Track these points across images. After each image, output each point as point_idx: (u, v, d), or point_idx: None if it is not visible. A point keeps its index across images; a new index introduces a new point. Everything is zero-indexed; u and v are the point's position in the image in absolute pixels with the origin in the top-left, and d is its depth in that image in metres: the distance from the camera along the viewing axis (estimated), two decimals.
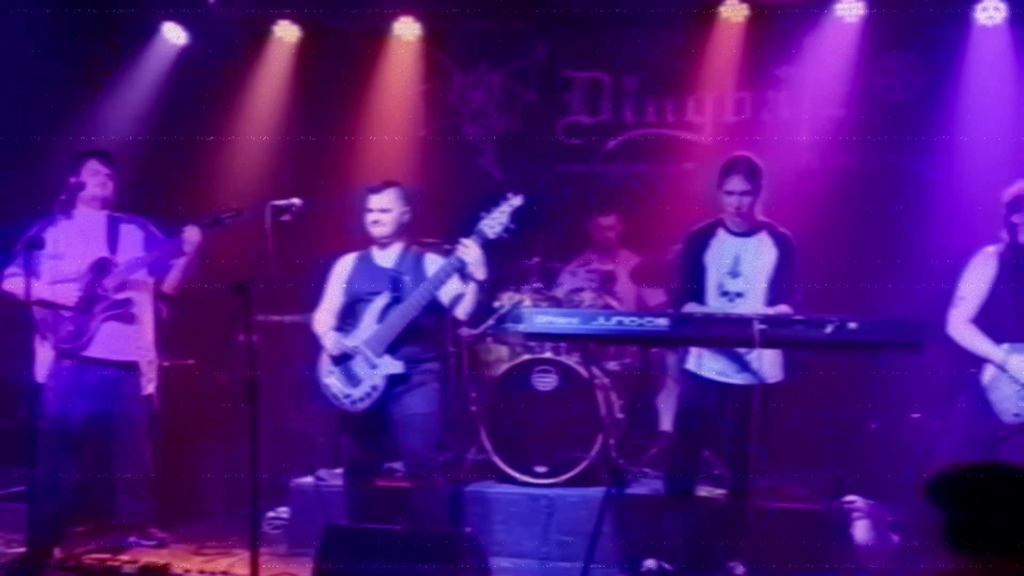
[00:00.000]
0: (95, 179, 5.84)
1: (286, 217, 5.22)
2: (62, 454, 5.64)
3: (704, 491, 5.80)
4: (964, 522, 2.60)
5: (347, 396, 5.28)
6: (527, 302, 6.47)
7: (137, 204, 6.12)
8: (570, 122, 8.12)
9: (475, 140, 8.27)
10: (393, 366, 5.21)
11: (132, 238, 5.90)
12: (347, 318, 5.40)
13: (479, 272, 5.13)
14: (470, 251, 5.08)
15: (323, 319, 5.46)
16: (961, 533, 2.61)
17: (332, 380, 5.32)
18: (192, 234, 5.69)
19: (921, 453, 5.30)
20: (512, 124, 8.22)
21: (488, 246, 5.12)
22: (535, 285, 6.63)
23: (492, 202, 5.15)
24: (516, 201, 5.12)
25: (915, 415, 6.20)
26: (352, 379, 5.27)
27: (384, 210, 5.37)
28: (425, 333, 5.30)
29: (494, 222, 5.10)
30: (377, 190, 5.39)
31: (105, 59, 7.62)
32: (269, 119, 8.02)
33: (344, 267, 5.50)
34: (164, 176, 7.46)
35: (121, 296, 5.77)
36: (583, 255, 7.49)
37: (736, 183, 5.27)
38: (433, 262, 5.36)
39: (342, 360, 5.29)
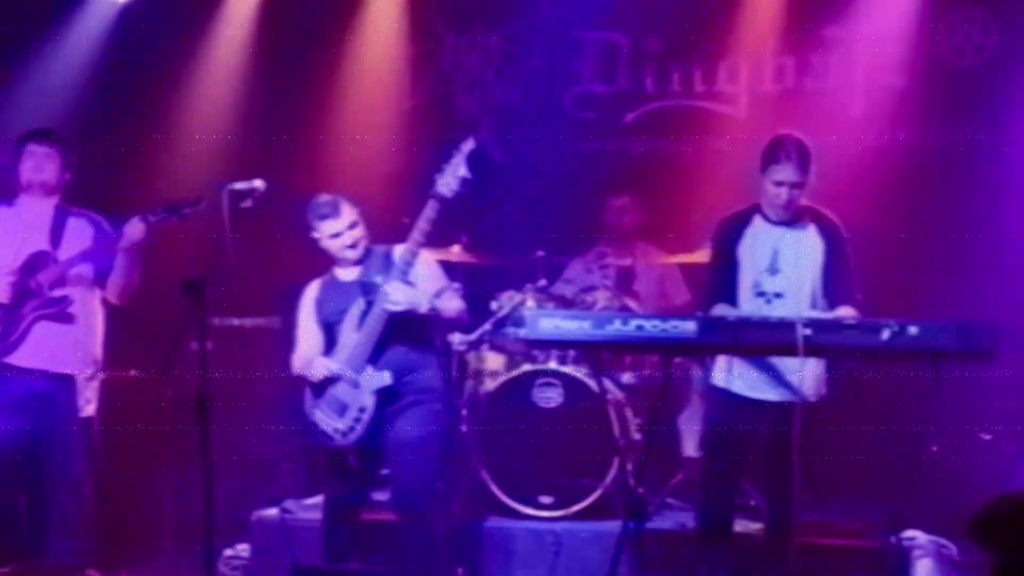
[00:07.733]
0: (29, 163, 5.83)
1: (247, 203, 5.20)
2: None
3: (738, 525, 5.78)
4: (1013, 566, 2.59)
5: (336, 430, 5.24)
6: (530, 303, 6.47)
7: (69, 195, 6.11)
8: (581, 92, 8.13)
9: (470, 113, 8.27)
10: (379, 378, 5.19)
11: (80, 234, 5.87)
12: (324, 346, 5.40)
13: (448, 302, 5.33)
14: (396, 293, 5.14)
15: (306, 359, 5.40)
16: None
17: (318, 415, 5.29)
18: (133, 230, 5.66)
19: (993, 480, 5.29)
20: (513, 94, 8.22)
21: (450, 206, 5.19)
22: (539, 283, 6.63)
23: (443, 159, 5.22)
24: (467, 146, 5.23)
25: (985, 436, 6.21)
26: (336, 407, 5.24)
27: (352, 225, 5.36)
28: (411, 332, 5.28)
29: (449, 178, 5.18)
30: (335, 211, 5.33)
31: (30, 21, 7.58)
32: (227, 90, 8.03)
33: (311, 296, 5.49)
34: (102, 160, 7.43)
35: (58, 293, 5.75)
36: (595, 248, 7.49)
37: (787, 172, 5.18)
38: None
39: (324, 387, 5.26)
